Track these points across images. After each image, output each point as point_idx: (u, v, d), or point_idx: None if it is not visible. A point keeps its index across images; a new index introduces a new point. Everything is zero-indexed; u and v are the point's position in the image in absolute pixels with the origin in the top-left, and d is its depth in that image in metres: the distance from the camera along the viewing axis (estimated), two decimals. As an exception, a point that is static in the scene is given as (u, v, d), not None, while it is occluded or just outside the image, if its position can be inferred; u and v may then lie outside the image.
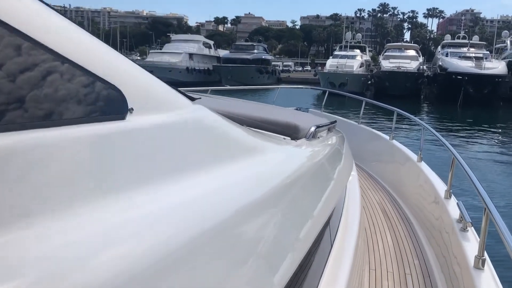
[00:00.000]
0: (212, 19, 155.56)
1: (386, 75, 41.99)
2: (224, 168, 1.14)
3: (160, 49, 62.90)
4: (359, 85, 44.59)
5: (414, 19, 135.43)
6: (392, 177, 6.14)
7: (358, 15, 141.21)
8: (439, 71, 42.02)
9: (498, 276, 2.64)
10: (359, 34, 66.21)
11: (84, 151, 0.77)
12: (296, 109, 7.97)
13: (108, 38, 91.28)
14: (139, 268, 0.69)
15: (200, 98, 1.35)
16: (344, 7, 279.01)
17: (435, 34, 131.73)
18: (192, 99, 1.24)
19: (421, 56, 50.52)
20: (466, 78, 36.19)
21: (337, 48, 57.16)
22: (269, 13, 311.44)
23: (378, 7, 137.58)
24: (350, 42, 54.59)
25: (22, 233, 0.61)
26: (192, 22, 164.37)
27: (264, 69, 62.80)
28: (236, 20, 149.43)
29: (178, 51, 56.92)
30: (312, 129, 2.09)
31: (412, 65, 43.41)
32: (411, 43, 67.98)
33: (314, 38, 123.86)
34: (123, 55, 1.00)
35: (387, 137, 6.85)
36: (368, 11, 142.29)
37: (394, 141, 6.56)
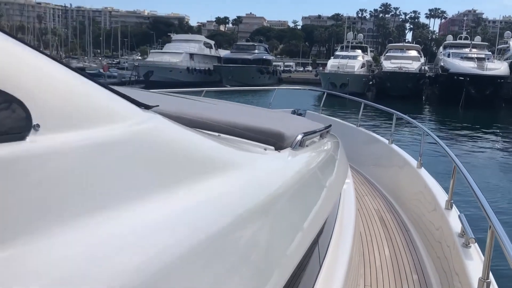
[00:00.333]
0: (214, 19, 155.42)
1: (388, 76, 41.87)
2: (178, 194, 0.92)
3: (161, 49, 62.68)
4: (360, 85, 44.44)
5: (416, 20, 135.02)
6: (391, 183, 5.93)
7: (360, 15, 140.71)
8: (440, 72, 41.88)
9: None
10: (360, 34, 66.21)
11: None
12: (293, 111, 7.81)
13: (109, 38, 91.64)
14: None
15: (157, 105, 1.12)
16: (345, 7, 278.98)
17: (437, 34, 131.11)
18: (147, 107, 1.03)
19: (422, 57, 50.44)
20: (468, 79, 36.01)
21: (339, 48, 57.19)
22: (271, 13, 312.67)
23: (380, 7, 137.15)
24: (352, 43, 54.65)
25: None
26: (193, 22, 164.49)
27: (265, 69, 62.65)
28: (238, 20, 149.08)
29: (179, 51, 56.60)
30: (299, 137, 1.82)
31: (413, 66, 43.24)
32: (413, 43, 68.03)
33: (316, 38, 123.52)
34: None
35: (386, 140, 6.65)
36: (370, 11, 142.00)
37: (393, 145, 6.35)
